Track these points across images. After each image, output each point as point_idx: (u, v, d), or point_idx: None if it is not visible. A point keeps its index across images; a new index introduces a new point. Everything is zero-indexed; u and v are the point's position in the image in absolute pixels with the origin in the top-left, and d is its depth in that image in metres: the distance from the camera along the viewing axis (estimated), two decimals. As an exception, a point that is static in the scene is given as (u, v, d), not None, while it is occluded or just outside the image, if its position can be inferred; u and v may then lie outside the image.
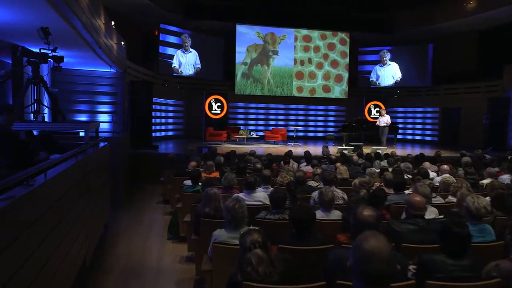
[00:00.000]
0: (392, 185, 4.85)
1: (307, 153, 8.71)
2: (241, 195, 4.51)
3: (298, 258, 2.53)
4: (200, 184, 5.40)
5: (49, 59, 5.12)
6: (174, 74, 16.27)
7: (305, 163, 8.11)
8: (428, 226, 2.97)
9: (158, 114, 15.14)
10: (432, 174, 7.16)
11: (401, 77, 18.71)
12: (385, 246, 1.58)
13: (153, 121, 12.90)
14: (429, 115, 18.57)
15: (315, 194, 4.64)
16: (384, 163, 8.57)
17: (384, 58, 18.85)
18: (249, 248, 1.95)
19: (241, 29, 17.62)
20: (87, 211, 4.16)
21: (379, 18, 18.22)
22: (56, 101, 6.51)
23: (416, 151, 13.68)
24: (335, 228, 3.38)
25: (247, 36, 17.77)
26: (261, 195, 4.54)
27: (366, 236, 1.61)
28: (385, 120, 13.94)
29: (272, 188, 5.20)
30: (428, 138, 18.60)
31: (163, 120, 15.98)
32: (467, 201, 3.11)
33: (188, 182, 5.99)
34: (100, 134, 10.09)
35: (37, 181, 2.36)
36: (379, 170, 6.95)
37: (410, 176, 6.94)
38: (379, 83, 19.14)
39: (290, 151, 9.36)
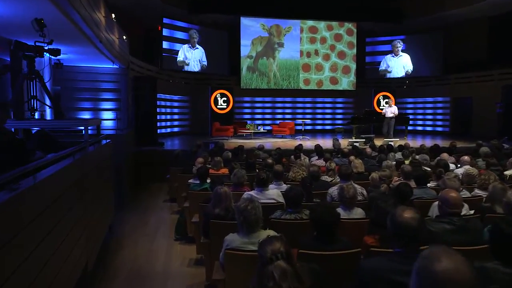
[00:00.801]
0: (413, 178, 4.51)
1: (317, 146, 8.37)
2: (252, 193, 4.21)
3: (321, 264, 2.23)
4: (208, 181, 5.10)
5: (45, 53, 4.80)
6: (181, 69, 16.01)
7: (316, 157, 7.78)
8: (467, 225, 2.64)
9: (163, 110, 14.86)
10: (451, 166, 6.80)
11: (412, 69, 18.27)
12: (466, 269, 1.21)
13: (158, 118, 12.62)
14: (440, 105, 18.11)
15: (332, 190, 4.32)
16: (398, 155, 8.22)
17: (397, 48, 18.39)
18: (270, 260, 1.64)
19: (245, 21, 17.25)
20: (88, 213, 3.88)
21: (386, 7, 17.74)
22: (57, 98, 6.25)
23: (427, 142, 13.29)
24: (359, 228, 3.07)
25: (252, 29, 17.39)
26: (274, 192, 4.23)
27: (437, 254, 1.24)
28: (392, 110, 13.49)
29: (284, 185, 4.90)
30: (439, 129, 18.15)
31: (168, 116, 15.70)
32: (510, 196, 2.77)
33: (194, 181, 5.70)
34: (104, 132, 9.90)
35: (23, 184, 2.07)
36: (394, 162, 6.61)
37: (428, 169, 6.61)
38: (389, 72, 18.70)
39: (300, 144, 9.04)
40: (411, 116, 17.63)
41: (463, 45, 17.05)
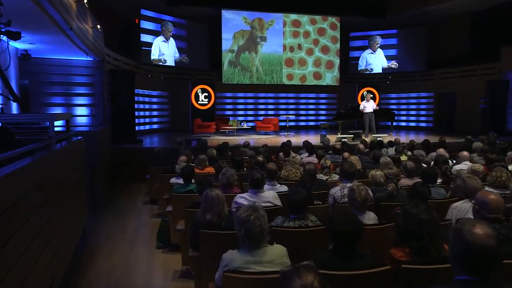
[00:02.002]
0: (420, 176, 4.10)
1: (307, 143, 7.93)
2: (245, 195, 3.71)
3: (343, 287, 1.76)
4: (193, 182, 4.58)
5: (1, 36, 4.16)
6: (158, 64, 15.32)
7: (306, 154, 7.34)
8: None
9: (141, 106, 14.17)
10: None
11: (386, 64, 18.16)
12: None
13: (136, 114, 11.93)
14: (423, 100, 18.04)
15: (335, 191, 3.87)
16: (391, 151, 7.88)
17: (377, 44, 18.19)
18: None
19: (227, 14, 16.66)
20: (54, 220, 3.31)
21: (370, 2, 17.48)
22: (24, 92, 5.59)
23: (411, 137, 13.07)
24: (377, 236, 2.62)
25: (234, 22, 16.82)
26: (270, 194, 3.75)
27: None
28: (371, 105, 13.13)
29: (278, 185, 4.44)
30: (422, 124, 18.08)
31: (146, 113, 15.01)
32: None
33: (176, 180, 5.16)
34: (77, 129, 9.19)
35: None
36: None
37: (425, 165, 6.27)
38: (371, 69, 18.49)
39: (289, 141, 8.61)
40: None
41: (446, 41, 17.00)
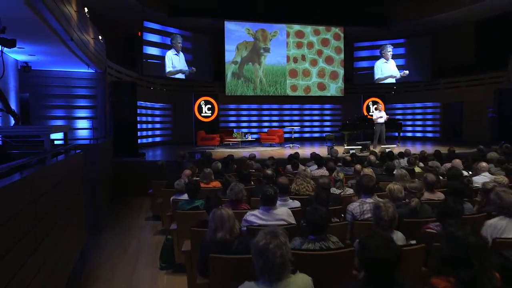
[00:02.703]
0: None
1: (315, 154, 7.65)
2: (257, 213, 3.42)
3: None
4: (199, 199, 4.28)
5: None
6: (170, 76, 15.50)
7: (315, 167, 7.04)
8: None
9: (143, 118, 13.95)
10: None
11: (399, 74, 17.95)
12: None
13: (138, 126, 11.70)
14: (429, 110, 17.76)
15: (353, 207, 3.58)
16: (403, 162, 7.58)
17: (389, 53, 18.00)
18: None
19: (229, 26, 16.55)
20: (48, 241, 3.02)
21: (373, 12, 17.37)
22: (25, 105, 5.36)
23: (417, 148, 12.79)
24: (409, 259, 2.32)
25: (237, 34, 16.70)
26: (283, 211, 3.45)
27: None
28: (382, 115, 12.89)
29: (290, 200, 4.15)
30: (429, 134, 17.78)
31: (149, 125, 14.77)
32: None
33: (177, 197, 4.86)
34: (78, 142, 8.94)
35: None
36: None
37: (441, 177, 5.98)
38: (386, 78, 18.28)
39: (297, 153, 8.31)
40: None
41: (450, 50, 16.84)
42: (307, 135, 18.16)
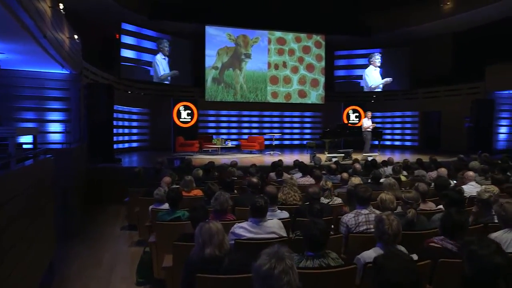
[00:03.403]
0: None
1: (300, 162, 7.46)
2: (245, 225, 3.15)
3: None
4: (181, 209, 3.98)
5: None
6: (165, 82, 15.63)
7: (299, 174, 6.84)
8: None
9: (120, 123, 13.47)
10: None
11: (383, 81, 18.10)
12: None
13: (114, 131, 11.24)
14: (408, 119, 17.94)
15: (348, 218, 3.36)
16: (388, 170, 7.48)
17: (377, 60, 18.09)
18: None
19: (210, 30, 16.31)
20: (11, 255, 2.67)
21: (354, 21, 17.50)
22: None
23: (396, 157, 12.82)
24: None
25: (218, 38, 16.47)
26: (274, 223, 3.20)
27: None
28: (369, 123, 12.93)
29: (279, 210, 3.91)
30: (408, 143, 17.95)
31: (126, 130, 14.29)
32: None
33: (156, 207, 4.55)
34: (51, 146, 8.45)
35: None
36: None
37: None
38: (377, 86, 18.38)
39: (280, 160, 8.11)
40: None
41: (429, 61, 17.14)
42: (287, 142, 18.02)
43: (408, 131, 18.00)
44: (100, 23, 13.61)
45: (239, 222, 3.28)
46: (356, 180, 5.00)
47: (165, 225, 3.72)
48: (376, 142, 14.61)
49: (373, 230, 3.25)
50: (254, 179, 4.84)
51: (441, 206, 4.54)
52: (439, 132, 16.44)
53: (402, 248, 2.52)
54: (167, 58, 15.68)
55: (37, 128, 4.74)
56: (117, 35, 14.11)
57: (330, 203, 4.71)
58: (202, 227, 2.39)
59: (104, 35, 14.28)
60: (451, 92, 16.12)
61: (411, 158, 11.62)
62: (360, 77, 18.52)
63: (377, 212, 3.41)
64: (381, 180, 5.97)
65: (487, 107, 14.21)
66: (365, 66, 18.39)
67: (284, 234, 3.17)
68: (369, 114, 13.03)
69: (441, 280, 2.35)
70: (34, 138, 4.18)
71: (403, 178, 6.53)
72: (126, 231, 6.39)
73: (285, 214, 3.90)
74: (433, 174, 7.22)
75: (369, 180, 6.11)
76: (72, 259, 5.07)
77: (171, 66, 15.78)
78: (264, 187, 5.32)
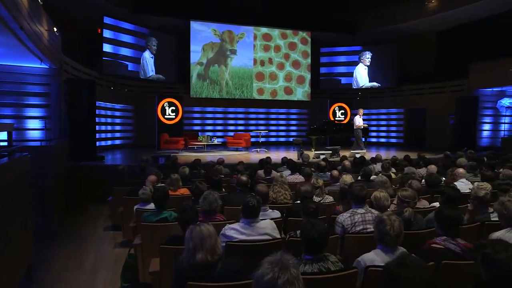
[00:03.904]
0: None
1: (289, 159, 7.31)
2: (237, 226, 2.99)
3: None
4: (168, 210, 3.78)
5: None
6: (142, 78, 15.23)
7: (288, 172, 6.69)
8: None
9: (103, 120, 13.11)
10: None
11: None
12: None
13: (97, 128, 10.90)
14: (393, 116, 18.02)
15: (343, 218, 3.23)
16: (378, 167, 7.41)
17: (367, 59, 18.08)
18: None
19: (195, 26, 16.02)
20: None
21: (340, 18, 17.47)
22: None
23: (382, 154, 12.83)
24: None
25: (203, 34, 16.19)
26: (267, 224, 3.04)
27: None
28: (360, 120, 12.82)
29: (270, 210, 3.75)
30: (393, 140, 18.03)
31: (109, 127, 13.93)
32: None
33: (141, 207, 4.34)
34: (29, 143, 8.12)
35: None
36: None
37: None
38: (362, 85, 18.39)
39: (269, 157, 7.96)
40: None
41: (413, 58, 17.22)
42: (273, 139, 17.89)
43: (393, 128, 18.07)
44: (80, 16, 13.20)
45: (229, 223, 3.11)
46: (347, 177, 4.88)
47: (151, 226, 3.52)
48: (363, 139, 14.61)
49: (370, 230, 3.15)
50: (244, 177, 4.66)
51: (434, 204, 4.47)
52: (424, 129, 16.54)
53: (403, 250, 2.39)
54: (154, 57, 15.42)
55: (12, 124, 4.45)
56: (99, 30, 13.72)
57: (321, 202, 4.58)
58: (193, 230, 2.21)
59: (85, 29, 13.87)
60: (435, 89, 16.25)
61: (397, 155, 11.64)
62: (345, 74, 18.53)
63: (374, 211, 3.29)
64: (372, 178, 5.89)
65: (471, 104, 14.35)
66: (350, 64, 18.40)
67: (278, 236, 3.02)
68: (361, 111, 12.88)
69: (445, 283, 2.23)
70: (9, 134, 3.92)
71: (393, 176, 6.45)
72: (110, 232, 6.15)
73: (276, 214, 3.75)
74: (422, 171, 7.19)
75: (359, 178, 6.00)
76: (52, 262, 4.82)
77: (156, 62, 15.47)
78: (254, 186, 5.18)
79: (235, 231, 2.92)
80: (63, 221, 6.76)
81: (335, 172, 5.75)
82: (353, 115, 17.82)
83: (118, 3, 13.50)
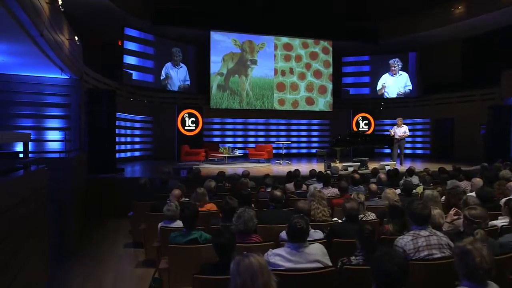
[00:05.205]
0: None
1: (318, 172, 6.86)
2: (282, 252, 2.55)
3: None
4: (197, 229, 3.38)
5: None
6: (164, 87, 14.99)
7: (320, 185, 6.23)
8: None
9: (122, 131, 12.91)
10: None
11: (410, 87, 17.50)
12: None
13: (116, 140, 10.66)
14: (419, 126, 17.36)
15: (404, 242, 2.75)
16: (415, 180, 6.88)
17: (394, 68, 17.61)
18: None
19: (216, 36, 15.82)
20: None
21: (362, 26, 17.05)
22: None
23: (408, 165, 12.22)
24: None
25: (223, 44, 15.97)
26: (317, 249, 2.61)
27: None
28: (402, 131, 12.17)
29: (312, 230, 3.29)
30: (419, 151, 17.34)
31: (128, 139, 13.72)
32: None
33: (166, 224, 3.94)
34: (48, 155, 7.88)
35: None
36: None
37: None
38: (385, 92, 17.85)
39: (297, 170, 7.50)
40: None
41: (438, 66, 16.66)
42: (294, 151, 17.42)
43: (419, 139, 17.40)
44: (101, 28, 13.15)
45: (266, 245, 2.69)
46: (391, 193, 4.41)
47: (180, 249, 3.11)
48: (389, 151, 14.04)
49: (436, 256, 2.68)
50: (278, 192, 4.24)
51: (494, 223, 3.96)
52: (452, 139, 15.85)
53: (494, 285, 1.92)
54: (178, 68, 15.48)
55: (29, 134, 4.16)
56: (120, 42, 13.64)
57: (363, 219, 4.12)
58: (240, 263, 1.79)
59: (106, 41, 13.83)
60: (464, 98, 15.59)
61: (422, 166, 11.04)
62: (367, 84, 18.06)
63: (439, 233, 2.81)
64: (413, 192, 5.40)
65: (504, 113, 13.63)
66: (372, 73, 17.94)
67: (329, 262, 2.58)
68: (399, 120, 12.20)
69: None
70: (25, 145, 3.61)
71: (420, 189, 5.93)
72: (131, 249, 5.79)
73: (319, 235, 3.31)
74: (463, 184, 6.64)
75: (400, 192, 5.50)
76: (69, 282, 4.47)
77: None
78: (288, 201, 4.75)
79: (280, 257, 2.49)
80: (81, 237, 6.44)
81: (373, 186, 5.28)
82: (376, 125, 17.41)
83: (139, 14, 13.42)
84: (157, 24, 14.23)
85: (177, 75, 15.45)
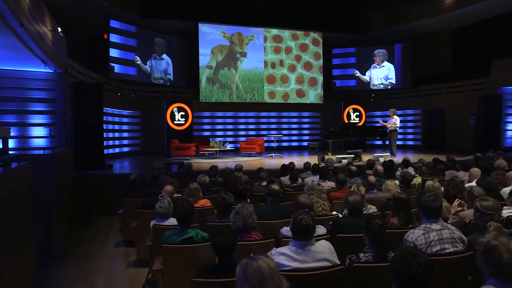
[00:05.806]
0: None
1: (313, 165, 6.70)
2: (287, 251, 2.37)
3: None
4: (192, 227, 3.17)
5: None
6: (154, 82, 14.57)
7: (316, 177, 6.07)
8: None
9: (110, 127, 12.58)
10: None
11: (394, 79, 17.42)
12: None
13: (104, 135, 10.34)
14: (410, 118, 17.32)
15: (415, 236, 2.58)
16: (411, 171, 6.75)
17: (377, 58, 17.50)
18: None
19: (204, 28, 15.50)
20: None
21: (352, 18, 16.89)
22: None
23: (399, 156, 12.17)
24: None
25: (211, 37, 15.66)
26: (324, 246, 2.43)
27: None
28: (392, 122, 12.07)
29: (318, 226, 3.12)
30: (410, 142, 17.32)
31: (116, 134, 13.39)
32: None
33: (158, 222, 3.73)
34: (33, 152, 7.58)
35: None
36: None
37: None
38: (369, 82, 17.75)
39: (292, 163, 7.33)
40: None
41: (429, 57, 16.62)
42: (285, 144, 17.25)
43: (410, 130, 17.38)
44: (86, 20, 12.73)
45: (278, 248, 2.50)
46: (392, 184, 4.26)
47: (175, 248, 2.90)
48: (381, 142, 13.97)
49: (449, 251, 2.53)
50: (276, 186, 4.05)
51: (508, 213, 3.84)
52: (443, 130, 15.85)
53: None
54: (159, 59, 14.91)
55: (8, 129, 3.88)
56: (105, 35, 13.25)
57: (364, 212, 3.97)
58: (248, 267, 1.60)
59: (91, 34, 13.42)
60: (454, 88, 15.56)
61: (414, 157, 10.97)
62: (354, 76, 17.99)
63: (451, 227, 2.65)
64: (412, 183, 5.27)
65: (494, 103, 13.64)
66: (362, 65, 17.83)
67: (337, 260, 2.41)
68: (392, 112, 12.09)
69: None
70: (4, 142, 3.35)
71: (418, 180, 5.81)
72: (122, 248, 5.56)
73: (322, 230, 3.14)
74: (460, 175, 6.54)
75: (398, 183, 5.36)
76: (57, 284, 4.24)
77: (164, 65, 15.02)
78: (285, 195, 4.58)
79: (285, 257, 2.31)
80: (70, 237, 6.19)
81: (371, 178, 5.12)
82: (367, 117, 17.33)
83: (125, 6, 13.04)
84: (144, 16, 13.86)
85: (156, 66, 14.93)
